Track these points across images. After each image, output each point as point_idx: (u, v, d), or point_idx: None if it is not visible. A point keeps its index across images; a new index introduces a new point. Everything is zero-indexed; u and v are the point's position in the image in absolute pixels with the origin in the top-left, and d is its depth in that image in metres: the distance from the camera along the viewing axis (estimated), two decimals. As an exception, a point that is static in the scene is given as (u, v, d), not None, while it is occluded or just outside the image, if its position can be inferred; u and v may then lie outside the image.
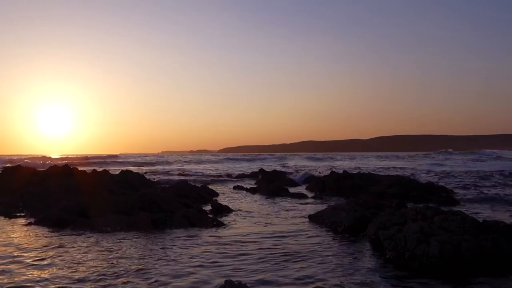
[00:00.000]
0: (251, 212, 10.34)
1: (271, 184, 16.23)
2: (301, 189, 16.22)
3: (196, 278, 4.87)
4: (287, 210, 10.53)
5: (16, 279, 4.83)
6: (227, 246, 6.46)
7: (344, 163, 47.93)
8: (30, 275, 4.98)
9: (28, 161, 42.13)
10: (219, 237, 7.18)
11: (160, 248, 6.33)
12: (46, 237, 7.27)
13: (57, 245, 6.55)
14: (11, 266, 5.36)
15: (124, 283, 4.67)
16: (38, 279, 4.83)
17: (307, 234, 7.43)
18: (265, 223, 8.56)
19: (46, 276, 4.95)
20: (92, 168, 21.27)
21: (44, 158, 55.64)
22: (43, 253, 6.04)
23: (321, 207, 10.42)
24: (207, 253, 6.00)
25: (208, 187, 15.25)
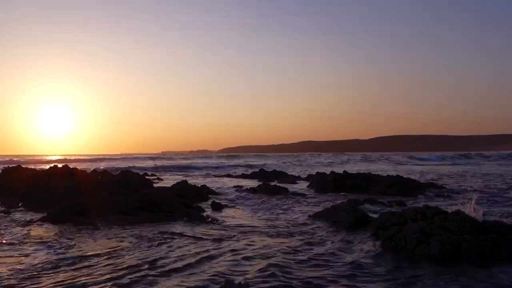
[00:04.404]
0: (251, 211, 10.34)
1: (271, 184, 16.23)
2: (301, 189, 16.21)
3: (195, 276, 4.87)
4: (287, 210, 10.53)
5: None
6: (226, 246, 6.45)
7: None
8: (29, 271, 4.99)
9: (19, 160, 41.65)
10: (219, 236, 7.18)
11: (158, 244, 6.33)
12: (45, 231, 7.28)
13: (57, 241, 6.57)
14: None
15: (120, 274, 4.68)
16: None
17: (306, 233, 7.43)
18: (265, 223, 8.55)
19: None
20: (92, 168, 21.31)
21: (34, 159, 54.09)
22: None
23: (321, 207, 10.41)
24: (207, 252, 6.00)
25: (208, 187, 15.25)
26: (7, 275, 4.97)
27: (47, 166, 18.26)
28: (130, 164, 39.02)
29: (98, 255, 5.91)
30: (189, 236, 7.22)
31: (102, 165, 37.12)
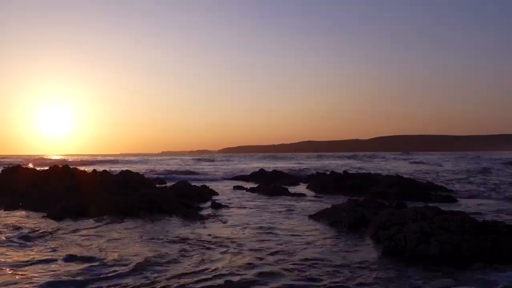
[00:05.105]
0: (251, 211, 10.33)
1: (271, 184, 16.22)
2: (301, 189, 16.21)
3: (194, 274, 4.87)
4: (287, 210, 10.52)
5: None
6: (226, 246, 6.45)
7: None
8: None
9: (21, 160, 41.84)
10: (219, 236, 7.17)
11: (155, 241, 6.33)
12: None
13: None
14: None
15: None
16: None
17: (306, 233, 7.42)
18: (265, 223, 8.55)
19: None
20: (92, 168, 21.29)
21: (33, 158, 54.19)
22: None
23: (321, 207, 10.41)
24: (206, 252, 6.00)
25: (208, 187, 15.25)
26: None
27: (47, 166, 18.25)
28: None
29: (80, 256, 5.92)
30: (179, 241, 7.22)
31: (103, 167, 37.08)
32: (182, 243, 6.66)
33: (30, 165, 32.46)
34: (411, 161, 53.08)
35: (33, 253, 6.06)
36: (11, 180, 14.20)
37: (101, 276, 4.91)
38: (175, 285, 4.61)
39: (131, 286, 4.57)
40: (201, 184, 15.97)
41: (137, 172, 16.34)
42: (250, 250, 6.22)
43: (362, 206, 9.12)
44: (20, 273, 5.06)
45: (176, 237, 7.17)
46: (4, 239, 6.98)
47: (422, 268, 5.23)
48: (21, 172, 15.44)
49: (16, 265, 5.38)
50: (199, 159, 62.19)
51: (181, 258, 5.76)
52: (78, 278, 4.83)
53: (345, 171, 17.27)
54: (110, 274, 4.97)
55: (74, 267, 5.30)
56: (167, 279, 4.80)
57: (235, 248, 6.32)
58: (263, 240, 6.89)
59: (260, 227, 8.06)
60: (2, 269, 5.19)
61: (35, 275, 4.96)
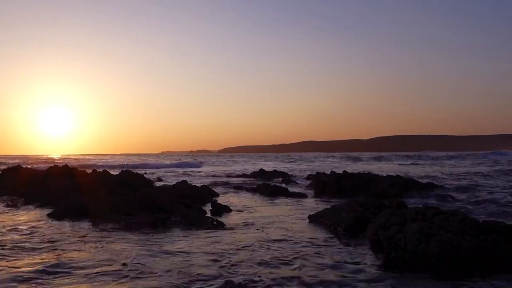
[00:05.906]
0: (250, 212, 10.34)
1: (271, 184, 16.22)
2: (301, 189, 16.21)
3: (193, 276, 4.87)
4: (287, 210, 10.53)
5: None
6: (226, 246, 6.45)
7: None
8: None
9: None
10: (218, 237, 7.18)
11: (156, 245, 6.33)
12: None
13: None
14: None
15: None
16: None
17: (306, 233, 7.43)
18: (265, 223, 8.56)
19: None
20: (92, 168, 21.29)
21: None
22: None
23: (321, 207, 10.40)
24: (205, 252, 6.00)
25: (208, 187, 15.24)
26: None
27: (47, 166, 18.24)
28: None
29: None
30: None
31: (102, 166, 37.11)
32: (180, 244, 6.67)
33: (30, 165, 32.45)
34: (412, 161, 53.25)
35: (33, 255, 6.06)
36: (11, 180, 14.21)
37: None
38: (175, 285, 4.62)
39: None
40: (201, 184, 15.97)
41: (137, 172, 16.37)
42: (251, 252, 6.22)
43: (362, 206, 9.10)
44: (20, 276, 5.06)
45: (175, 239, 7.18)
46: (2, 240, 6.98)
47: (423, 269, 5.23)
48: (21, 172, 15.46)
49: (15, 267, 5.38)
50: (198, 159, 62.29)
51: (180, 258, 5.76)
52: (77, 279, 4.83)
53: (345, 171, 17.26)
54: (110, 276, 4.98)
55: (75, 268, 5.30)
56: (167, 281, 4.82)
57: (235, 249, 6.32)
58: (262, 241, 6.89)
59: (260, 228, 8.07)
60: (1, 270, 5.20)
61: (36, 277, 4.96)
